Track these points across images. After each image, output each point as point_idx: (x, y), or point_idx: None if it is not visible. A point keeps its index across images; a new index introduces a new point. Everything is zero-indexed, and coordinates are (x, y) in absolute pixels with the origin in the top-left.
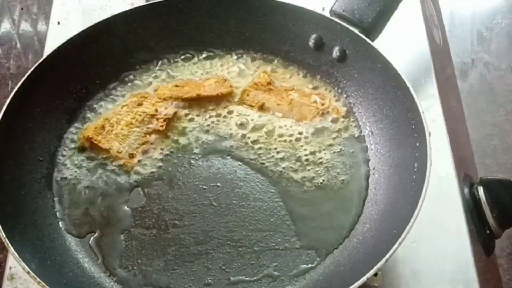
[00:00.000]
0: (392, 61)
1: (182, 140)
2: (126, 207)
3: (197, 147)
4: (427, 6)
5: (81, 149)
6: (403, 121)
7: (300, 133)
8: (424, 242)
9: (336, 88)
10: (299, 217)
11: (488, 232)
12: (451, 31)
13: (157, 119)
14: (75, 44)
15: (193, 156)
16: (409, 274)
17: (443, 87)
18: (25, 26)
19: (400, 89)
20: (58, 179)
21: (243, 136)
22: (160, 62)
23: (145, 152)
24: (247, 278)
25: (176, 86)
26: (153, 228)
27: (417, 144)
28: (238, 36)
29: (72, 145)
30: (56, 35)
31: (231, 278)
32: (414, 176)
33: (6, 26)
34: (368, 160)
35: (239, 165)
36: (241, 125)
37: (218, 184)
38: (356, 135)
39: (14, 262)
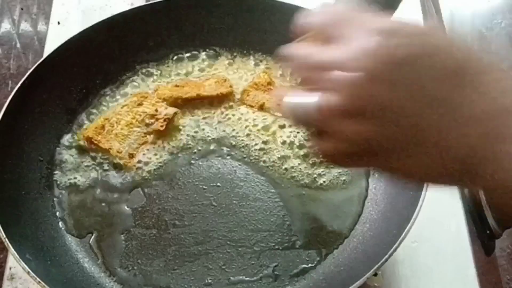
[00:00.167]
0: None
1: (182, 140)
2: (126, 207)
3: (197, 147)
4: (427, 6)
5: (81, 149)
6: None
7: (300, 133)
8: (424, 242)
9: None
10: (299, 217)
11: (488, 232)
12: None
13: (157, 119)
14: (75, 44)
15: (193, 156)
16: (409, 274)
17: None
18: (25, 26)
19: None
20: (58, 179)
21: (243, 136)
22: (160, 62)
23: (145, 152)
24: (247, 278)
25: (176, 86)
26: (153, 228)
27: None
28: (238, 36)
29: (72, 145)
30: (56, 35)
31: (231, 278)
32: None
33: (6, 26)
34: None
35: (239, 165)
36: (241, 125)
37: (218, 184)
38: None
39: (14, 262)
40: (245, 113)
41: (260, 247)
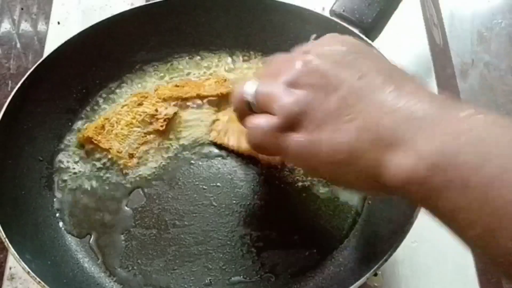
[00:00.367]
0: (392, 61)
1: (182, 140)
2: (126, 207)
3: (197, 147)
4: (427, 6)
5: (81, 149)
6: None
7: None
8: (424, 242)
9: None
10: (299, 217)
11: None
12: (451, 31)
13: (157, 119)
14: (75, 44)
15: (193, 156)
16: (409, 274)
17: (443, 87)
18: (25, 26)
19: None
20: (58, 179)
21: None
22: (160, 62)
23: (145, 152)
24: (247, 278)
25: (176, 86)
26: (153, 228)
27: None
28: (238, 36)
29: (72, 145)
30: (56, 35)
31: (231, 278)
32: None
33: (6, 26)
34: None
35: (239, 165)
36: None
37: (218, 184)
38: None
39: (14, 262)
40: None
41: (260, 247)
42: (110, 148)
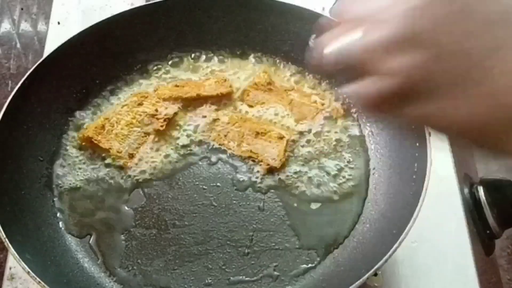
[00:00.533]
0: None
1: (182, 140)
2: (126, 207)
3: (197, 147)
4: None
5: (81, 149)
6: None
7: (300, 133)
8: (424, 242)
9: (336, 88)
10: (299, 217)
11: (488, 232)
12: None
13: (157, 119)
14: (75, 44)
15: (193, 156)
16: (409, 274)
17: None
18: (25, 26)
19: None
20: (58, 179)
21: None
22: (160, 62)
23: (145, 152)
24: (247, 278)
25: (176, 86)
26: (153, 228)
27: (417, 144)
28: (238, 36)
29: (72, 145)
30: (56, 35)
31: (231, 278)
32: (414, 176)
33: (6, 26)
34: (368, 160)
35: (239, 165)
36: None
37: (218, 184)
38: (356, 135)
39: (14, 262)
40: (245, 113)
41: (260, 247)
42: (110, 148)
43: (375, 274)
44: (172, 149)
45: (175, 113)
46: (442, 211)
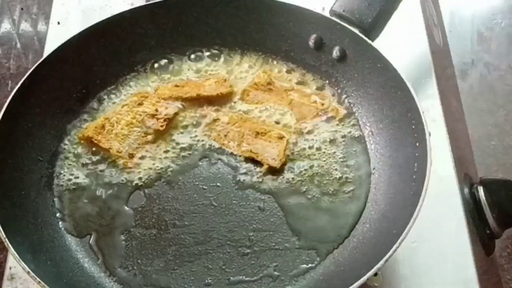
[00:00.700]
0: (392, 61)
1: (182, 140)
2: (126, 207)
3: (197, 147)
4: (427, 6)
5: (81, 149)
6: (403, 121)
7: (300, 133)
8: (424, 242)
9: (336, 88)
10: (299, 217)
11: (488, 232)
12: (451, 31)
13: (157, 119)
14: (75, 44)
15: (193, 157)
16: (409, 274)
17: (443, 87)
18: (25, 26)
19: (400, 89)
20: (58, 179)
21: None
22: (160, 62)
23: (145, 152)
24: (247, 278)
25: (176, 86)
26: (153, 228)
27: (417, 144)
28: (238, 36)
29: (72, 145)
30: (56, 35)
31: (231, 278)
32: (414, 176)
33: (6, 26)
34: (368, 160)
35: (239, 165)
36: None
37: (218, 184)
38: (356, 135)
39: (14, 262)
40: (245, 113)
41: (260, 247)
42: (110, 148)
43: (375, 274)
44: (172, 149)
45: (175, 113)
46: (442, 211)
